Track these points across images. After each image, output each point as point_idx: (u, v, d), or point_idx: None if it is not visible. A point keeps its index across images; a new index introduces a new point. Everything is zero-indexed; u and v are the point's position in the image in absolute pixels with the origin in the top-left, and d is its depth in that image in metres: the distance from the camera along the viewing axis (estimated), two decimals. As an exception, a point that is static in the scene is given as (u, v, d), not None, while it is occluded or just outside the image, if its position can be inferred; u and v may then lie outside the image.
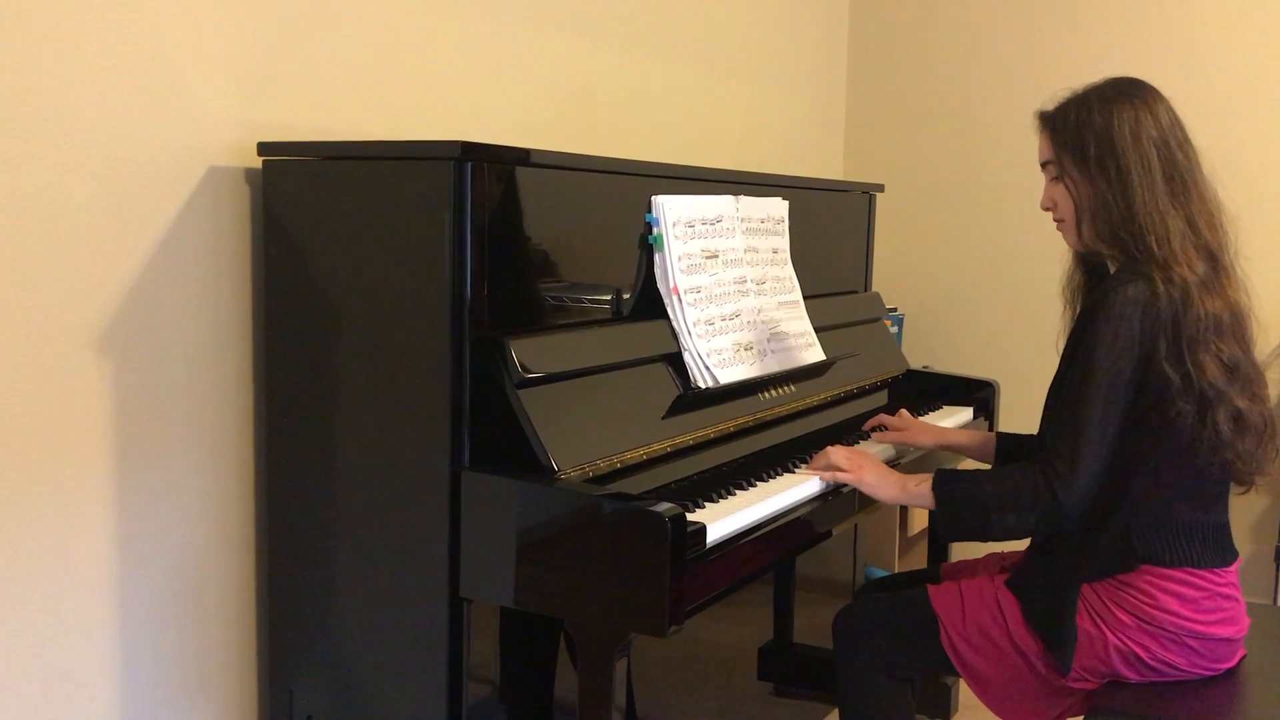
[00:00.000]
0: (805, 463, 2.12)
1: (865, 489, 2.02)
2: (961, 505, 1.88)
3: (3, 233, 1.58)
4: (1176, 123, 1.86)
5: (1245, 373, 1.80)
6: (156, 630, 1.85)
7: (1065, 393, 1.82)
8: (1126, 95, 1.85)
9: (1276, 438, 1.84)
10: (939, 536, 1.97)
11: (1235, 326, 1.81)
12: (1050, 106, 1.93)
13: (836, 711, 2.31)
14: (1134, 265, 1.81)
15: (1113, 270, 1.90)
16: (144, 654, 1.83)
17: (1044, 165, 1.94)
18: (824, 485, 2.03)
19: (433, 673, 1.76)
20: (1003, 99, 3.69)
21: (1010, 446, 2.24)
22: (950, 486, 1.90)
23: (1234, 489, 1.89)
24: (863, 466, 2.03)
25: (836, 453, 2.05)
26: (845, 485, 2.04)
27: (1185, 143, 1.85)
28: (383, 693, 1.83)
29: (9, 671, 1.64)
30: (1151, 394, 1.77)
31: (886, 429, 2.41)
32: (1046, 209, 1.96)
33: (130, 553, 1.79)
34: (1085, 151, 1.84)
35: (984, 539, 1.88)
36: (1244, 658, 1.91)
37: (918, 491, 1.97)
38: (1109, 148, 1.82)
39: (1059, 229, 1.96)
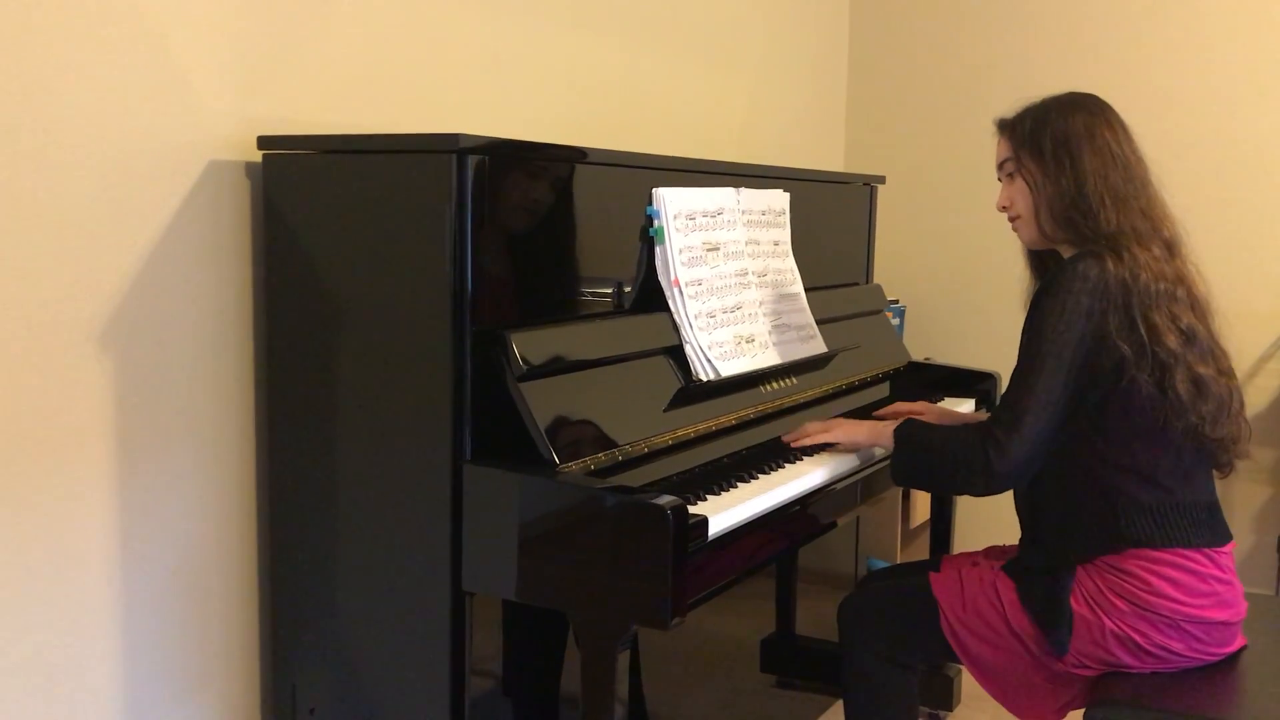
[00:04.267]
0: (807, 455, 2.12)
1: (842, 438, 2.14)
2: (912, 450, 1.98)
3: (3, 228, 1.58)
4: (1128, 135, 1.95)
5: (1203, 342, 1.84)
6: (159, 624, 1.85)
7: (1016, 367, 1.87)
8: (1082, 105, 1.95)
9: (1243, 410, 1.89)
10: (891, 477, 2.07)
11: (1191, 300, 1.86)
12: (1009, 115, 2.03)
13: (839, 704, 2.31)
14: (1086, 246, 1.87)
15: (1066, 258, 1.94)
16: (146, 648, 1.83)
17: (1001, 165, 2.03)
18: (826, 476, 2.04)
19: (435, 666, 1.76)
20: (1003, 90, 3.64)
21: None
22: (908, 431, 2.02)
23: (1215, 475, 1.91)
24: (835, 426, 2.17)
25: (811, 424, 2.19)
26: (841, 480, 2.08)
27: (1135, 151, 1.94)
28: (385, 686, 1.83)
29: (11, 666, 1.65)
30: (1108, 370, 1.81)
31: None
32: (1003, 208, 2.03)
33: (132, 547, 1.79)
34: (1041, 146, 1.93)
35: (927, 488, 2.02)
36: (1245, 647, 1.92)
37: (885, 432, 2.09)
38: (1064, 143, 1.91)
39: (1014, 226, 2.03)
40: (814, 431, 2.16)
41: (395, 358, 1.76)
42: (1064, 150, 1.91)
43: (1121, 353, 1.79)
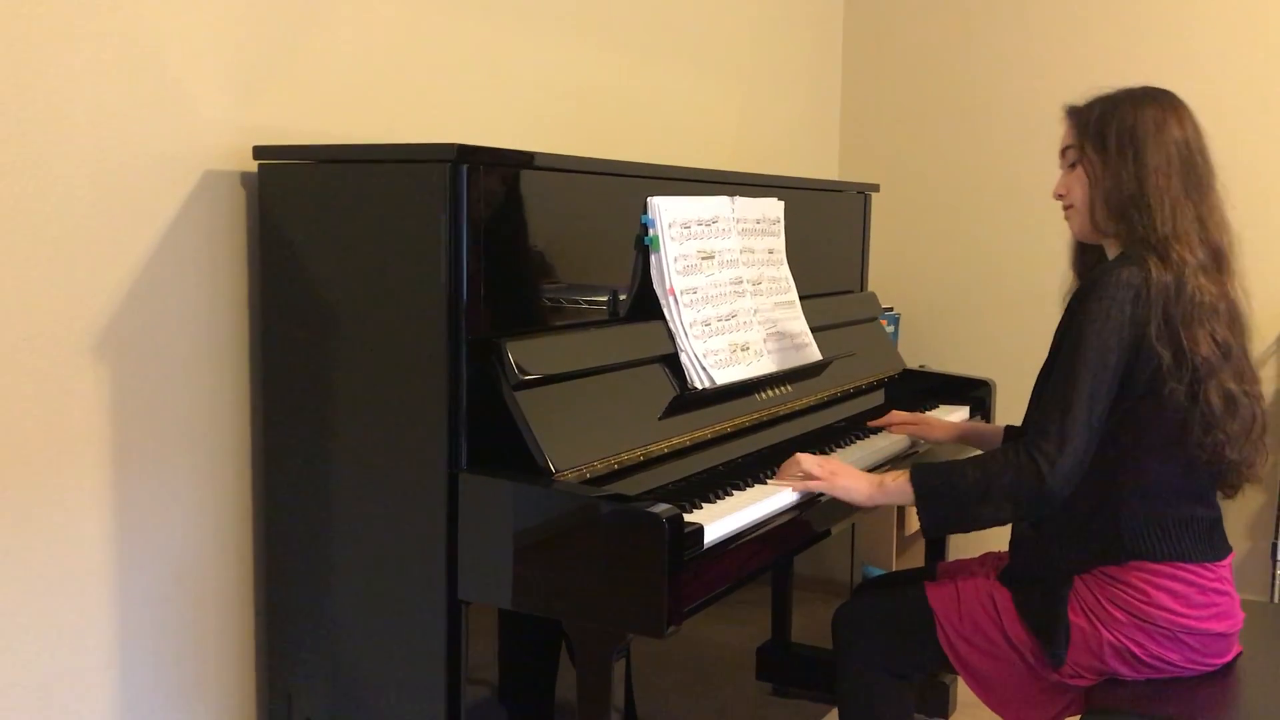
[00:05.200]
0: None
1: (839, 493, 1.96)
2: (942, 496, 1.84)
3: (-1, 238, 1.58)
4: (1198, 133, 1.89)
5: (1237, 359, 1.82)
6: (154, 635, 1.85)
7: (1054, 373, 1.82)
8: (1155, 100, 1.88)
9: (1265, 434, 1.85)
10: (924, 533, 1.92)
11: (1231, 316, 1.83)
12: (1079, 103, 1.96)
13: (835, 712, 2.31)
14: (1134, 247, 1.83)
15: (1111, 257, 1.91)
16: (142, 659, 1.83)
17: (1063, 152, 1.96)
18: (802, 494, 1.98)
19: (431, 675, 1.76)
20: (998, 98, 3.69)
21: (1015, 437, 2.24)
22: (929, 478, 1.86)
23: (1220, 495, 1.88)
24: (836, 472, 1.97)
25: (807, 460, 1.98)
26: (823, 494, 1.97)
27: (1203, 152, 1.88)
28: (382, 696, 1.83)
29: (7, 677, 1.64)
30: (1142, 379, 1.78)
31: (897, 425, 2.42)
32: (1059, 196, 1.98)
33: (127, 557, 1.79)
34: (1106, 139, 1.87)
35: (968, 529, 1.84)
36: (1240, 654, 1.92)
37: (895, 488, 1.92)
38: (1130, 138, 1.85)
39: (1067, 216, 1.98)
40: (810, 474, 1.97)
41: (391, 367, 1.76)
42: (1129, 144, 1.85)
43: (1160, 359, 1.76)
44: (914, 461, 2.21)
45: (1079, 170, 1.92)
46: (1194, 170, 1.85)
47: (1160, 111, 1.86)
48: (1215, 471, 1.84)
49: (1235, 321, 1.84)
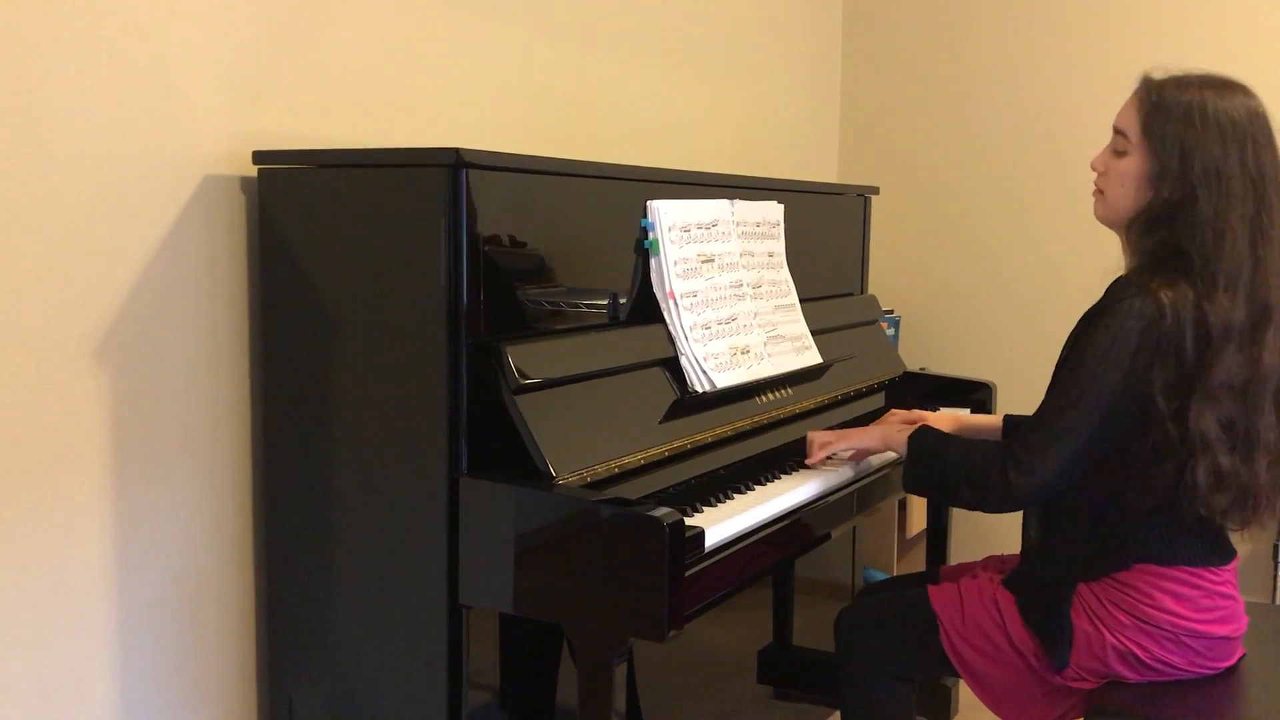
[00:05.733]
0: (804, 466, 2.12)
1: (855, 442, 2.15)
2: (926, 460, 1.95)
3: (-2, 243, 1.58)
4: (1276, 157, 1.74)
5: (1239, 433, 1.73)
6: (155, 640, 1.84)
7: (1050, 388, 1.81)
8: (1246, 114, 1.73)
9: (1258, 503, 1.75)
10: (903, 484, 2.02)
11: (1248, 386, 1.72)
12: (1157, 76, 1.79)
13: (837, 714, 2.31)
14: (1161, 268, 1.73)
15: (1126, 263, 1.87)
16: (143, 664, 1.83)
17: (1117, 130, 1.83)
18: (822, 487, 2.05)
19: (432, 680, 1.76)
20: (997, 101, 3.69)
21: (1012, 427, 2.24)
22: (923, 441, 1.98)
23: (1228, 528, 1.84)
24: (847, 434, 2.18)
25: (818, 434, 2.19)
26: (837, 491, 2.08)
27: (1277, 182, 1.74)
28: (382, 701, 1.83)
29: (7, 680, 1.64)
30: (1137, 423, 1.74)
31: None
32: (1095, 170, 1.87)
33: (128, 562, 1.79)
34: (1166, 143, 1.73)
35: (939, 499, 1.94)
36: (1243, 657, 1.91)
37: (898, 438, 2.07)
38: (1213, 166, 1.70)
39: (1095, 195, 1.87)
40: (828, 441, 2.16)
41: (391, 371, 1.76)
42: (1194, 165, 1.70)
43: (1159, 410, 1.70)
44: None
45: (1129, 164, 1.79)
46: (1265, 209, 1.71)
47: (1250, 133, 1.71)
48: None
49: (1253, 386, 1.72)
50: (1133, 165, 1.79)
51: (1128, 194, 1.81)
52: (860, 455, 2.20)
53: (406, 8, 2.18)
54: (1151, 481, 1.80)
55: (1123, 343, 1.71)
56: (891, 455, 2.35)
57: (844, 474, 2.16)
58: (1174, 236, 1.74)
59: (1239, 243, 1.71)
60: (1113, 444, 1.78)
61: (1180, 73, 1.79)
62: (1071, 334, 1.84)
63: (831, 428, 2.46)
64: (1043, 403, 1.81)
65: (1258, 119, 1.76)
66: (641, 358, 1.98)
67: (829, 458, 2.18)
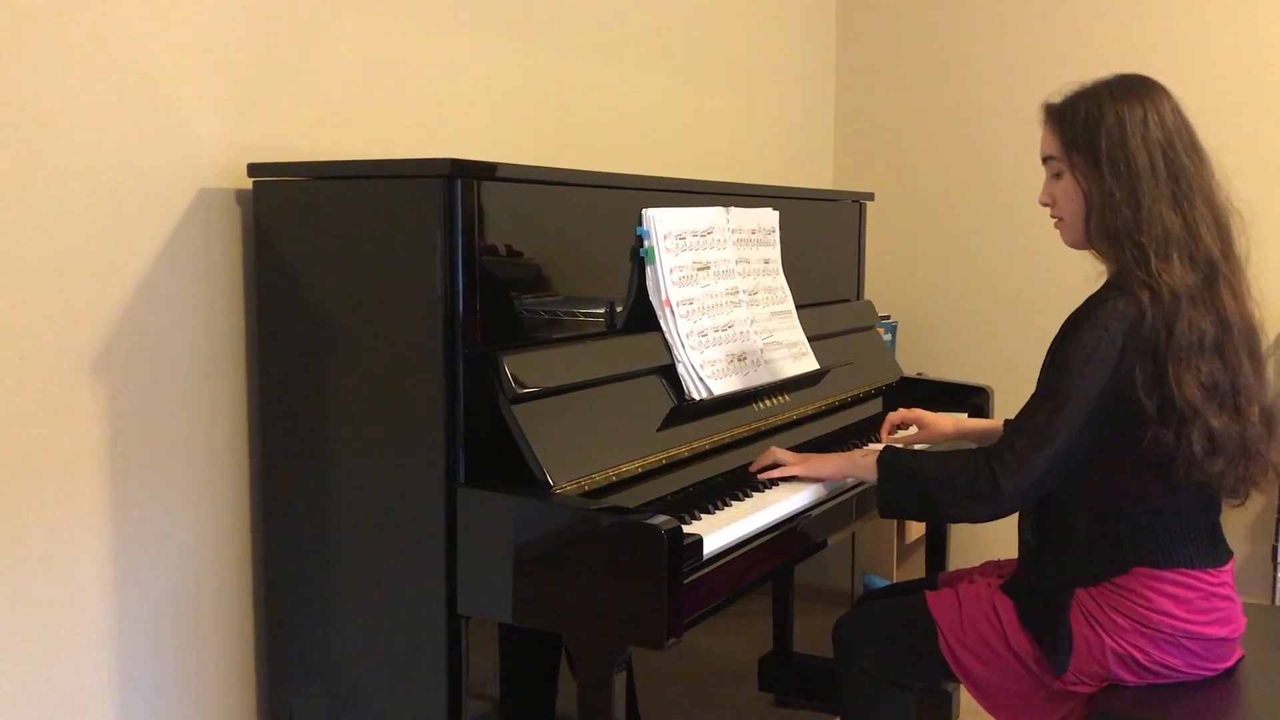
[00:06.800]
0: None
1: (809, 470, 2.06)
2: (901, 479, 1.91)
3: (-6, 258, 1.58)
4: (1184, 124, 1.81)
5: (1224, 390, 1.75)
6: (154, 649, 1.84)
7: (1036, 390, 1.82)
8: (1136, 93, 1.80)
9: (1253, 458, 1.79)
10: (879, 511, 1.99)
11: (1222, 341, 1.76)
12: (1057, 100, 1.87)
13: (837, 720, 2.30)
14: (1124, 274, 1.78)
15: (1107, 271, 1.90)
16: (142, 673, 1.83)
17: (1046, 160, 1.89)
18: (819, 494, 2.04)
19: (432, 690, 1.76)
20: (991, 106, 3.70)
21: None
22: (894, 461, 1.93)
23: (1227, 501, 1.86)
24: (806, 458, 2.09)
25: (779, 451, 2.11)
26: (835, 497, 2.05)
27: (1192, 145, 1.81)
28: (382, 711, 1.83)
29: (5, 692, 1.64)
30: (1126, 422, 1.76)
31: (904, 427, 2.42)
32: (1045, 204, 1.92)
33: (126, 572, 1.79)
34: (1096, 150, 1.79)
35: (921, 518, 1.90)
36: (1242, 658, 1.92)
37: (864, 463, 2.01)
38: (1120, 148, 1.77)
39: (1057, 226, 1.91)
40: (781, 462, 2.08)
41: (388, 381, 1.76)
42: (1120, 156, 1.76)
43: (1144, 408, 1.72)
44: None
45: (1067, 182, 1.85)
46: (1182, 172, 1.77)
47: (1142, 107, 1.78)
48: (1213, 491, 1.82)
49: (1227, 343, 1.76)
50: (1069, 182, 1.85)
51: (1077, 209, 1.85)
52: (813, 483, 2.09)
53: (400, 20, 2.18)
54: (1145, 485, 1.81)
55: (1109, 342, 1.74)
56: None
57: (843, 480, 2.15)
58: (1127, 243, 1.78)
59: (1161, 211, 1.76)
60: (1101, 445, 1.79)
61: (1074, 85, 1.86)
62: (1056, 338, 1.85)
63: (830, 434, 2.47)
64: (1029, 405, 1.82)
65: (1154, 90, 1.82)
66: (638, 366, 1.98)
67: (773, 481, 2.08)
